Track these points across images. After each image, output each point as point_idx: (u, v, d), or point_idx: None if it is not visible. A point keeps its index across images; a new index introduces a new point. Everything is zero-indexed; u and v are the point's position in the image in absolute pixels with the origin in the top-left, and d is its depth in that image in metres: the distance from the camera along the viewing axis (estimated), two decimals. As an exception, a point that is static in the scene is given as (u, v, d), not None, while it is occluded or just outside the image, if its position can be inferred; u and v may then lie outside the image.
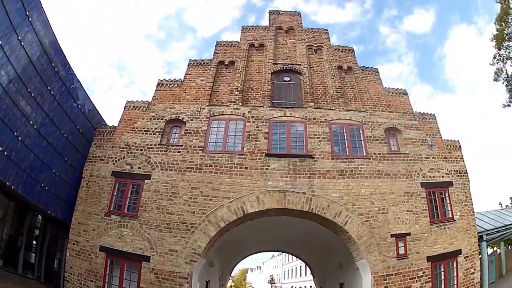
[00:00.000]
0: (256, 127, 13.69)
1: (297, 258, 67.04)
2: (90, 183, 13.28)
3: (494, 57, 28.32)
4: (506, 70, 28.34)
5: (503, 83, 29.21)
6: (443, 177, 14.35)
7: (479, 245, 15.59)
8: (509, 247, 33.30)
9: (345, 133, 13.96)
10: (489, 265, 18.56)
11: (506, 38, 26.91)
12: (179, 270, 11.72)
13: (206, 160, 12.95)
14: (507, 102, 29.26)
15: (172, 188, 12.62)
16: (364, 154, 13.58)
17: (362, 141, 13.88)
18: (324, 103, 14.78)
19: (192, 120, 13.92)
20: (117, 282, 12.25)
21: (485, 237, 16.61)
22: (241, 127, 13.77)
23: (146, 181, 12.87)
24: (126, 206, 12.80)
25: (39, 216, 12.95)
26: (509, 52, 27.55)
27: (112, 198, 12.96)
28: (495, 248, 33.54)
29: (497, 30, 27.45)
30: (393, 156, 13.80)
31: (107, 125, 15.22)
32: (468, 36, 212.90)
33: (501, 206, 35.23)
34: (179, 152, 13.19)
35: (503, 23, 26.78)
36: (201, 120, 13.89)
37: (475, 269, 14.30)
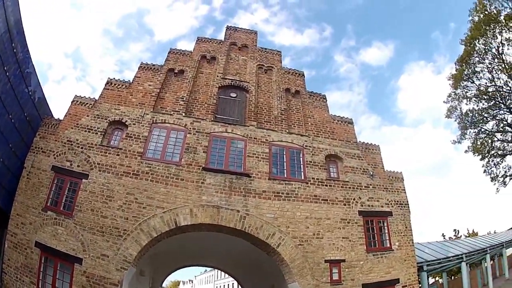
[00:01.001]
0: (196, 139, 14.22)
1: (229, 276, 66.53)
2: (31, 174, 13.25)
3: (449, 96, 30.73)
4: (460, 108, 30.69)
5: (455, 120, 31.65)
6: (382, 206, 15.24)
7: (419, 275, 16.40)
8: (452, 277, 34.49)
9: (285, 156, 14.73)
10: (430, 295, 19.35)
11: (464, 79, 29.18)
12: (110, 276, 11.71)
13: (144, 167, 13.30)
14: (457, 139, 31.36)
15: (107, 191, 12.80)
16: (302, 178, 14.34)
17: (302, 165, 14.67)
18: (267, 124, 15.53)
19: (134, 124, 14.29)
20: (51, 281, 12.21)
21: (425, 268, 17.52)
22: (182, 137, 14.25)
23: (83, 180, 12.98)
24: (63, 203, 12.78)
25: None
26: (466, 92, 29.82)
27: (50, 193, 12.92)
28: (437, 278, 34.69)
29: (456, 70, 29.90)
30: (332, 183, 14.62)
31: (53, 117, 15.26)
32: (425, 73, 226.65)
33: (444, 238, 36.62)
34: (118, 155, 13.47)
35: (463, 64, 29.21)
36: (143, 126, 14.29)
37: (413, 300, 14.96)
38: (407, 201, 16.08)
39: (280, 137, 15.01)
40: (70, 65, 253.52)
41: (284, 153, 14.71)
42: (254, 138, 14.64)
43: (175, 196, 12.93)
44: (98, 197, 12.72)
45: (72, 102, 14.98)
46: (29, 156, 13.62)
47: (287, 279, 13.66)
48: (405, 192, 16.19)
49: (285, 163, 14.61)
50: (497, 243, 28.48)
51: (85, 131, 13.91)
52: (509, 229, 45.62)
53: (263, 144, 14.59)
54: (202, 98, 15.71)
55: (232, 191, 13.40)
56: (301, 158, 14.80)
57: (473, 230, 50.85)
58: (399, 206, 15.71)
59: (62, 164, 13.37)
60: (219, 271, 76.72)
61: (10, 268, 12.34)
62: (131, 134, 14.03)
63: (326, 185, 14.43)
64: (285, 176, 14.31)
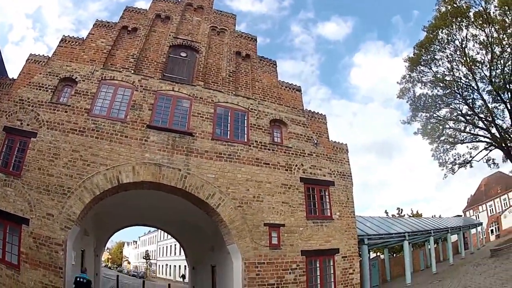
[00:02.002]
0: (143, 97, 14.29)
1: (171, 237, 66.96)
2: None
3: (404, 77, 31.96)
4: (414, 91, 32.02)
5: (407, 102, 33.01)
6: (324, 175, 15.87)
7: (360, 248, 17.13)
8: (394, 255, 36.11)
9: (229, 117, 15.05)
10: (371, 268, 20.29)
11: (422, 63, 30.40)
12: (55, 236, 11.83)
13: (90, 124, 13.25)
14: (407, 120, 32.73)
15: (54, 149, 12.74)
16: (245, 140, 14.71)
17: (245, 128, 15.04)
18: (214, 84, 15.72)
19: (84, 81, 14.17)
20: (1, 245, 12.26)
21: (366, 241, 18.31)
22: (129, 95, 14.27)
23: (32, 139, 12.88)
24: (12, 164, 12.76)
25: None
26: (421, 76, 31.09)
27: (0, 154, 12.85)
28: (378, 254, 36.21)
29: (414, 54, 31.00)
30: (275, 147, 15.10)
31: (7, 77, 15.13)
32: (381, 54, 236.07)
33: (387, 215, 38.20)
34: (66, 112, 13.35)
35: (423, 50, 30.25)
36: (92, 82, 14.21)
37: (354, 270, 15.82)
38: (350, 173, 16.79)
39: (226, 98, 15.27)
40: (29, 26, 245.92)
41: (229, 114, 14.99)
42: (200, 98, 14.81)
43: (118, 154, 13.01)
44: (45, 156, 12.68)
45: (26, 61, 14.73)
46: None
47: (226, 240, 14.06)
48: (348, 164, 16.88)
49: (229, 124, 14.92)
50: (442, 227, 29.79)
51: (37, 89, 13.73)
52: (455, 216, 47.92)
53: (209, 105, 14.81)
54: (153, 57, 15.70)
55: (175, 149, 13.59)
56: (245, 121, 15.14)
57: (417, 211, 53.30)
58: (342, 177, 16.38)
59: (12, 124, 13.22)
60: (162, 232, 78.03)
61: None
62: (79, 90, 13.93)
63: (269, 149, 14.86)
64: (228, 137, 14.64)
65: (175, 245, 67.94)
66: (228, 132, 14.75)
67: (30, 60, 14.69)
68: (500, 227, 56.53)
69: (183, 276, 59.18)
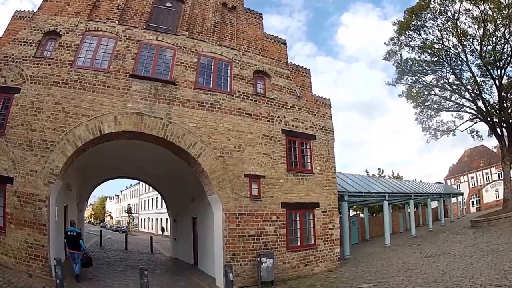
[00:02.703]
0: (126, 46, 14.11)
1: (153, 190, 67.75)
2: None
3: (392, 39, 32.14)
4: (401, 54, 32.25)
5: (393, 64, 33.29)
6: (306, 129, 16.15)
7: (340, 204, 17.53)
8: (374, 215, 37.15)
9: (212, 67, 14.97)
10: (350, 226, 20.87)
11: (411, 28, 30.53)
12: (38, 192, 11.93)
13: (73, 75, 13.11)
14: (392, 81, 33.11)
15: (37, 103, 12.67)
16: (228, 90, 14.77)
17: (229, 78, 15.04)
18: (198, 34, 15.52)
19: (68, 33, 13.93)
20: None
21: (346, 198, 18.80)
22: (112, 45, 14.07)
23: (15, 95, 12.77)
24: None
25: None
26: (410, 41, 31.26)
27: None
28: (358, 212, 37.20)
29: (404, 19, 31.02)
30: (257, 98, 15.21)
31: None
32: (370, 16, 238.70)
33: (368, 174, 39.07)
34: (49, 65, 13.18)
35: (413, 16, 30.30)
36: (76, 34, 13.97)
37: (333, 226, 16.30)
38: (332, 128, 17.09)
39: (210, 48, 15.18)
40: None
41: (212, 64, 14.95)
42: (184, 47, 14.70)
43: (100, 104, 12.94)
44: (28, 110, 12.60)
45: (12, 18, 14.46)
46: None
47: (207, 191, 14.33)
48: (331, 119, 17.15)
49: (212, 74, 14.88)
50: (423, 192, 30.49)
51: (21, 44, 13.49)
52: (436, 182, 49.03)
53: (192, 54, 14.71)
54: (138, 7, 15.33)
55: (157, 98, 13.58)
56: (228, 71, 15.14)
57: (398, 174, 54.39)
58: (323, 132, 16.66)
59: None
60: (143, 186, 78.83)
61: None
62: (63, 43, 13.69)
63: (251, 100, 14.97)
64: (211, 86, 14.65)
65: (156, 198, 68.77)
66: (211, 81, 14.75)
67: (16, 16, 14.44)
68: (481, 200, 58.10)
69: (163, 229, 60.04)
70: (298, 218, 15.66)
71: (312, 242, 16.00)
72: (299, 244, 15.66)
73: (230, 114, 14.34)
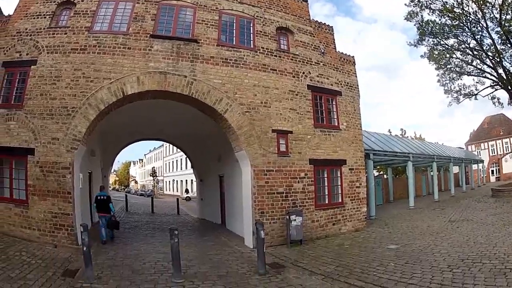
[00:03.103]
0: (145, 8, 13.80)
1: (177, 152, 67.29)
2: None
3: (412, 0, 31.22)
4: (422, 15, 31.46)
5: (414, 25, 32.48)
6: (332, 85, 15.85)
7: (365, 162, 17.31)
8: (396, 176, 36.91)
9: (234, 24, 14.67)
10: (375, 187, 20.64)
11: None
12: (61, 160, 11.98)
13: (91, 41, 12.95)
14: (414, 42, 32.51)
15: (56, 72, 12.60)
16: (252, 46, 14.45)
17: (251, 34, 14.68)
18: (218, -8, 15.17)
19: (82, 1, 13.70)
20: (8, 184, 12.64)
21: (372, 156, 18.53)
22: (130, 8, 13.79)
23: (32, 67, 12.78)
24: (13, 96, 12.83)
25: None
26: (430, 3, 30.48)
27: (0, 91, 12.90)
28: (381, 172, 36.96)
29: (423, -20, 30.27)
30: (282, 54, 14.86)
31: (2, 15, 14.85)
32: None
33: (390, 134, 38.66)
34: (65, 33, 13.05)
35: (433, -22, 29.51)
36: (91, 1, 13.74)
37: (360, 184, 16.08)
38: (357, 85, 16.79)
39: (231, 6, 14.81)
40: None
41: (234, 21, 14.60)
42: (204, 5, 14.32)
43: (122, 66, 12.76)
44: (46, 80, 12.54)
45: None
46: None
47: (234, 147, 14.18)
48: (355, 76, 16.84)
49: (234, 31, 14.59)
50: (445, 155, 30.01)
51: (34, 18, 13.33)
52: (458, 147, 48.41)
53: (213, 12, 14.33)
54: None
55: (180, 56, 13.33)
56: (251, 28, 14.76)
57: (420, 135, 53.53)
58: (349, 88, 16.38)
59: (11, 57, 13.06)
60: (167, 148, 79.54)
61: None
62: (79, 11, 13.47)
63: (276, 56, 14.65)
64: (234, 43, 14.36)
65: (181, 159, 69.35)
66: (234, 38, 14.45)
67: (26, -8, 14.27)
68: (500, 170, 57.37)
69: (187, 190, 60.32)
70: (326, 175, 15.48)
71: (340, 200, 15.84)
72: (327, 202, 15.51)
73: (255, 70, 14.07)
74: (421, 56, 33.48)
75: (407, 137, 47.33)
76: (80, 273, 9.20)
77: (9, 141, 12.30)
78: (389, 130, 49.44)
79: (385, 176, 32.98)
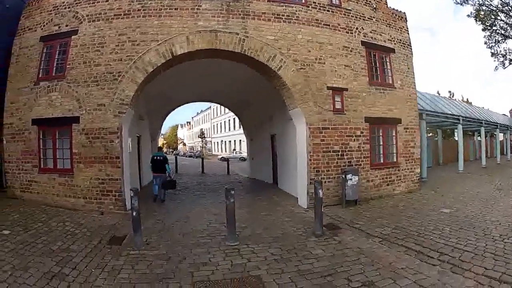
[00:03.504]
0: None
1: (225, 113, 66.93)
2: (19, 57, 13.43)
3: None
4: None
5: None
6: (385, 41, 15.17)
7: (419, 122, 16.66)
8: (445, 139, 35.94)
9: (283, -21, 14.11)
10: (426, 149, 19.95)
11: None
12: (109, 125, 12.02)
13: (135, 5, 12.67)
14: (460, 0, 31.27)
15: (99, 39, 12.49)
16: (303, 1, 13.86)
17: (301, -11, 14.14)
18: None
19: None
20: (52, 154, 12.92)
21: (424, 116, 17.81)
22: None
23: (73, 37, 12.71)
24: (54, 68, 12.93)
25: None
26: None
27: (40, 64, 13.10)
28: (430, 134, 36.08)
29: None
30: (334, 9, 14.21)
31: None
32: None
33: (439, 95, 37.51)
34: (107, 1, 12.83)
35: None
36: None
37: (415, 144, 15.50)
38: (410, 42, 16.07)
39: (278, -38, 14.31)
40: None
41: (284, -25, 14.09)
42: (252, -40, 13.86)
43: (169, 27, 12.46)
44: (89, 48, 12.47)
45: None
46: (15, 41, 13.68)
47: (288, 105, 13.75)
48: (408, 33, 16.11)
49: (284, -15, 14.05)
50: (492, 121, 28.98)
51: None
52: (503, 114, 46.83)
53: (260, -33, 13.88)
54: None
55: (230, 14, 12.91)
56: (301, -17, 14.21)
57: (467, 99, 51.72)
58: (402, 45, 15.71)
59: (50, 31, 13.13)
60: (215, 109, 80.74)
61: (11, 163, 13.37)
62: None
63: (328, 11, 14.04)
64: (285, -2, 13.83)
65: (229, 120, 70.25)
66: (284, -8, 13.97)
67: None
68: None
69: (235, 150, 60.40)
70: (381, 134, 14.97)
71: (395, 160, 15.36)
72: (382, 161, 15.05)
73: (308, 26, 13.52)
74: (468, 15, 32.16)
75: (455, 99, 45.80)
76: (127, 240, 9.03)
77: (51, 112, 12.60)
78: (438, 91, 47.47)
79: (435, 138, 32.15)
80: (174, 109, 26.63)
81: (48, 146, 12.97)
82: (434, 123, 24.53)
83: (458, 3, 32.33)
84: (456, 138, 29.54)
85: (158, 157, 14.88)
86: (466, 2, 31.66)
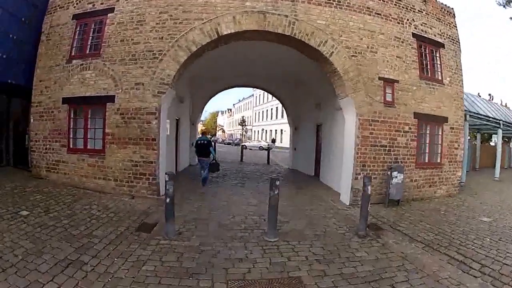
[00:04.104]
0: None
1: (267, 102, 65.49)
2: (50, 34, 13.11)
3: None
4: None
5: None
6: (435, 35, 14.43)
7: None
8: (482, 143, 34.86)
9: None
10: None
11: None
12: (146, 105, 11.55)
13: None
14: (503, 2, 30.44)
15: (138, 16, 11.95)
16: (354, -13, 13.20)
17: (354, -24, 13.47)
18: None
19: None
20: (82, 134, 12.45)
21: (467, 117, 16.96)
22: None
23: (109, 15, 12.23)
24: (88, 46, 12.55)
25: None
26: None
27: (73, 42, 12.74)
28: (469, 137, 35.00)
29: None
30: (385, -2, 13.54)
31: None
32: None
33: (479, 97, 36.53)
34: None
35: None
36: None
37: (459, 145, 14.66)
38: (458, 39, 15.33)
39: None
40: None
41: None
42: None
43: (214, 6, 11.81)
44: (127, 26, 12.02)
45: None
46: (46, 19, 13.39)
47: (338, 93, 12.97)
48: (456, 29, 15.38)
49: (336, -29, 13.40)
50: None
51: None
52: None
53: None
54: None
55: (279, -5, 12.19)
56: (352, -31, 13.57)
57: (505, 104, 50.41)
58: (451, 41, 14.97)
59: (84, 9, 12.75)
60: (257, 98, 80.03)
61: (38, 142, 13.00)
62: None
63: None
64: (335, -15, 13.17)
65: (271, 109, 69.06)
66: (335, -22, 13.31)
67: None
68: None
69: (274, 140, 59.51)
70: (428, 132, 14.15)
71: (439, 160, 14.52)
72: (426, 161, 14.21)
73: (359, 13, 12.78)
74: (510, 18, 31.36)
75: (495, 103, 44.74)
76: (158, 228, 8.38)
77: (84, 91, 12.20)
78: (478, 93, 46.36)
79: (473, 142, 31.23)
80: (217, 93, 25.44)
81: (78, 126, 12.55)
82: (474, 125, 23.62)
83: (501, 4, 31.52)
84: (492, 143, 28.61)
85: (203, 141, 14.65)
86: (508, 4, 30.92)
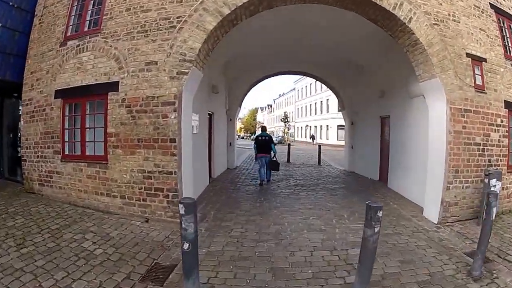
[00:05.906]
0: None
1: (312, 94, 59.37)
2: (43, 17, 10.41)
3: None
4: None
5: None
6: (509, 9, 11.52)
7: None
8: None
9: None
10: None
11: None
12: (162, 91, 8.08)
13: None
14: None
15: None
16: None
17: None
18: None
19: None
20: (79, 136, 9.41)
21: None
22: None
23: None
24: (87, 22, 9.56)
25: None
26: None
27: (69, 20, 9.84)
28: None
29: None
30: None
31: None
32: None
33: None
34: None
35: None
36: None
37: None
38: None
39: None
40: None
41: None
42: None
43: None
44: None
45: None
46: (39, 0, 10.75)
47: (420, 74, 9.50)
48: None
49: None
50: None
51: None
52: None
53: None
54: None
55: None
56: None
57: None
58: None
59: None
60: (300, 91, 73.93)
61: (29, 149, 10.29)
62: None
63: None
64: None
65: (315, 103, 63.68)
66: None
67: None
68: None
69: (313, 137, 54.54)
70: (514, 127, 10.88)
71: (529, 162, 11.17)
72: (519, 162, 10.72)
73: (434, -26, 9.69)
74: None
75: None
76: (176, 275, 5.32)
77: (80, 79, 9.12)
78: None
79: None
80: (257, 83, 20.80)
81: (74, 126, 9.64)
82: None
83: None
84: None
85: (264, 137, 14.08)
86: None
